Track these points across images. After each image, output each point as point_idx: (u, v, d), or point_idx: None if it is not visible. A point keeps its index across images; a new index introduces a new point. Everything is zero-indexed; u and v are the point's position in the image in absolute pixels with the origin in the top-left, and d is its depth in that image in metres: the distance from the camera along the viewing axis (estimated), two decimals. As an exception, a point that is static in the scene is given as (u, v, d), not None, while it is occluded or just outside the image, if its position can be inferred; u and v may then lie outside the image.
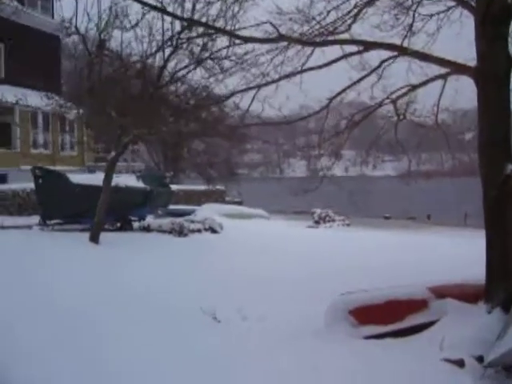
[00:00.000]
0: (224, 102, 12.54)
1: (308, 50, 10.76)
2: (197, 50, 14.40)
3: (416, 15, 11.44)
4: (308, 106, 14.32)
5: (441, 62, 9.48)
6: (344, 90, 10.44)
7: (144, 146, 43.14)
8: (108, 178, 16.62)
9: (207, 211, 27.09)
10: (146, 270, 11.66)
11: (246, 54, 12.26)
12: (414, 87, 10.97)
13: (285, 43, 10.49)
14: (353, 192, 13.59)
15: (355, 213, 35.32)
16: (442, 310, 8.07)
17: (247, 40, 10.03)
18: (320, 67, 9.96)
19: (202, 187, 37.86)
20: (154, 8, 9.70)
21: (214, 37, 13.21)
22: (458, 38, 12.60)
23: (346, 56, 9.89)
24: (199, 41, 14.04)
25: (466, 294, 8.57)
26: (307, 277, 11.71)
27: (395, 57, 9.91)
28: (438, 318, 7.96)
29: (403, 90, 11.18)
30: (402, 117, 12.58)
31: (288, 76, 9.94)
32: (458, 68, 9.33)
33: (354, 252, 15.71)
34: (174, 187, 36.16)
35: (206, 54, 14.26)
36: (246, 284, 11.01)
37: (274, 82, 10.05)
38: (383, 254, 15.32)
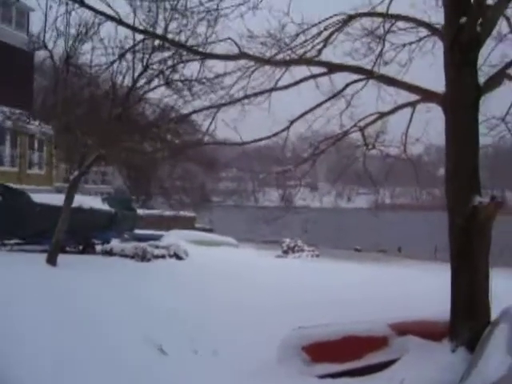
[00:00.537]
0: (182, 120, 12.07)
1: (278, 73, 10.44)
2: (167, 71, 14.07)
3: (388, 44, 11.21)
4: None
5: (408, 87, 9.18)
6: (306, 113, 10.04)
7: (116, 170, 42.54)
8: (69, 199, 16.01)
9: (174, 237, 26.54)
10: (96, 295, 11.00)
11: (216, 77, 11.95)
12: (382, 115, 10.66)
13: (253, 64, 10.13)
14: (308, 220, 13.13)
15: (326, 243, 35.12)
16: (403, 348, 7.61)
17: (206, 56, 9.67)
18: (285, 87, 9.59)
19: (172, 213, 37.41)
20: (108, 17, 9.27)
21: (182, 57, 12.87)
22: (432, 70, 12.42)
23: (311, 77, 9.54)
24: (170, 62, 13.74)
25: (430, 331, 8.14)
26: (269, 309, 11.11)
27: (361, 80, 9.59)
28: (399, 357, 7.50)
29: (371, 118, 10.87)
30: (370, 146, 12.24)
31: (251, 96, 9.54)
32: (426, 95, 9.05)
33: (319, 284, 15.19)
34: (142, 212, 35.67)
35: (176, 76, 13.95)
36: (203, 314, 10.42)
37: (236, 101, 9.64)
38: (350, 287, 14.82)
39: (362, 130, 11.25)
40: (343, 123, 11.42)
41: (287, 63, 9.40)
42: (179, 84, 14.20)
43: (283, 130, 9.76)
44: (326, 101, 9.64)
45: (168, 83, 14.41)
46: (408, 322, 8.21)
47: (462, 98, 8.01)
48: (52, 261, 14.83)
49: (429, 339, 8.01)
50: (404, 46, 11.55)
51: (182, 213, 39.13)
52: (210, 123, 9.56)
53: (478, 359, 6.35)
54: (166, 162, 32.50)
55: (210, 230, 38.91)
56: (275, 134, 9.79)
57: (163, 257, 19.58)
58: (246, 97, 9.48)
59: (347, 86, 9.60)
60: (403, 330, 7.90)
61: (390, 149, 12.71)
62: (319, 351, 7.04)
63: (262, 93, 9.51)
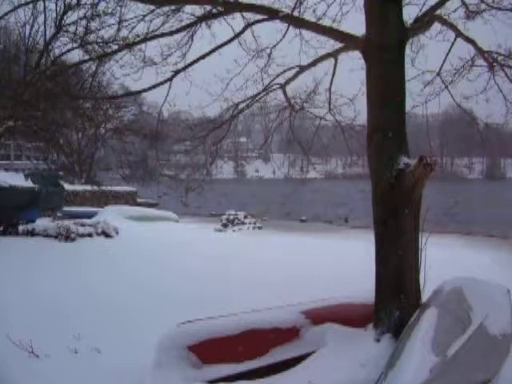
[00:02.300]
0: (61, 74, 10.59)
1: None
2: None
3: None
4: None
5: (321, 30, 7.80)
6: (191, 64, 8.51)
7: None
8: (-26, 177, 14.48)
9: (110, 213, 25.21)
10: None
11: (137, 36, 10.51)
12: (301, 68, 9.32)
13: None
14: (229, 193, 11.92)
15: (274, 215, 34.07)
16: (319, 340, 6.35)
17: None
18: (170, 34, 8.10)
19: (112, 188, 35.76)
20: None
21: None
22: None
23: (201, 20, 8.09)
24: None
25: (354, 317, 6.94)
26: (176, 294, 9.70)
27: (264, 20, 8.18)
28: (314, 350, 6.24)
29: (291, 73, 9.56)
30: (297, 107, 10.98)
31: (137, 43, 8.07)
32: (343, 39, 7.67)
33: (245, 262, 13.93)
34: (80, 188, 33.93)
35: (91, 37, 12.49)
36: (100, 304, 9.03)
37: (117, 51, 8.21)
38: (276, 266, 13.58)
39: (283, 87, 9.94)
40: (270, 83, 10.11)
41: (174, 2, 7.91)
42: (95, 47, 12.81)
43: (164, 83, 8.29)
44: (222, 45, 8.18)
45: (82, 45, 12.97)
46: (328, 307, 6.97)
47: (383, 40, 6.73)
48: (-43, 245, 13.37)
49: (354, 326, 6.83)
50: (335, -3, 10.20)
51: (122, 188, 37.49)
52: (93, 78, 8.13)
53: (397, 357, 5.15)
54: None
55: (154, 205, 37.57)
56: (155, 86, 8.33)
57: (90, 235, 18.23)
58: (133, 43, 8.03)
59: (247, 27, 8.17)
60: (321, 317, 6.64)
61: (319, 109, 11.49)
62: (211, 350, 5.69)
63: (151, 39, 8.01)
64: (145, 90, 8.31)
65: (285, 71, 9.54)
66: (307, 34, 9.69)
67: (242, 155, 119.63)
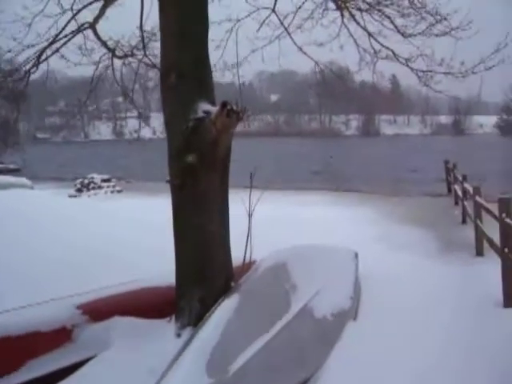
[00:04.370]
0: None
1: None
2: None
3: None
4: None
5: None
6: None
7: None
8: None
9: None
10: None
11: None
12: (107, 2, 7.68)
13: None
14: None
15: (147, 176, 32.06)
16: (100, 341, 4.95)
17: None
18: None
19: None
20: None
21: None
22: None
23: None
24: None
25: (158, 305, 5.60)
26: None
27: None
28: (93, 355, 4.83)
29: (97, 7, 7.86)
30: (121, 52, 9.29)
31: None
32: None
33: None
34: None
35: None
36: None
37: None
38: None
39: (92, 26, 8.24)
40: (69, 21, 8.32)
41: None
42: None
43: None
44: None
45: None
46: (120, 295, 5.55)
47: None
48: None
49: (159, 317, 5.51)
50: None
51: None
52: None
53: (165, 374, 3.82)
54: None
55: (15, 171, 34.94)
56: None
57: None
58: None
59: None
60: (108, 309, 5.23)
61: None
62: None
63: None
64: None
65: (85, 6, 7.81)
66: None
67: (119, 115, 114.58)
